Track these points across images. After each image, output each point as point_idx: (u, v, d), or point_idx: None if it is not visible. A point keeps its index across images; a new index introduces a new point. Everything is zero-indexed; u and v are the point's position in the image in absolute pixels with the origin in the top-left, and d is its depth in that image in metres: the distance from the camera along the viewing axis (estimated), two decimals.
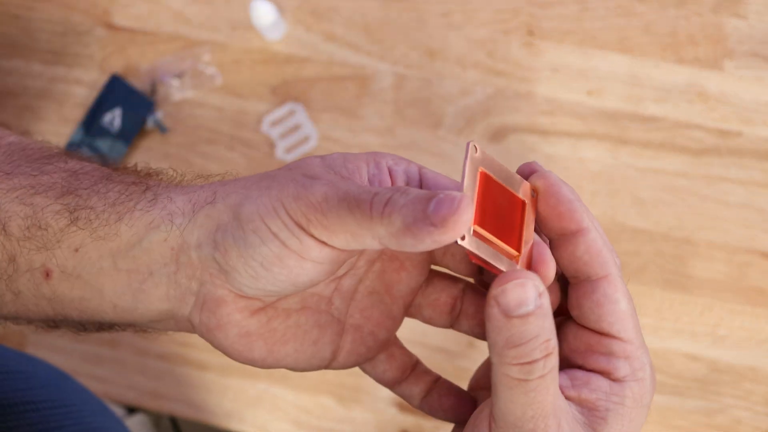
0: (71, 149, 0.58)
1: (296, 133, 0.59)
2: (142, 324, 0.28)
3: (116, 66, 0.60)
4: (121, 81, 0.59)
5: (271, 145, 0.59)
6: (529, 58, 0.60)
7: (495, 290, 0.22)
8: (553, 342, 0.22)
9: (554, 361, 0.23)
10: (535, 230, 0.26)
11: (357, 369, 0.30)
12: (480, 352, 0.55)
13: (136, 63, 0.60)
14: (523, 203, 0.26)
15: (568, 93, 0.59)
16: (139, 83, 0.60)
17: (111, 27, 0.61)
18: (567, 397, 0.25)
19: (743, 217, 0.57)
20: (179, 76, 0.60)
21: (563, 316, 0.27)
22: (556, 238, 0.26)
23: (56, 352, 0.56)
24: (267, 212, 0.24)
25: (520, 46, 0.60)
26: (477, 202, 0.24)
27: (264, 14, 0.57)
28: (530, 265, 0.25)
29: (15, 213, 0.27)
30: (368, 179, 0.26)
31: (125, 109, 0.59)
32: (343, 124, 0.59)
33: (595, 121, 0.59)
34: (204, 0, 0.62)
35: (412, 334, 0.54)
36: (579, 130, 0.59)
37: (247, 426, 0.55)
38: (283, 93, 0.60)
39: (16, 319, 0.29)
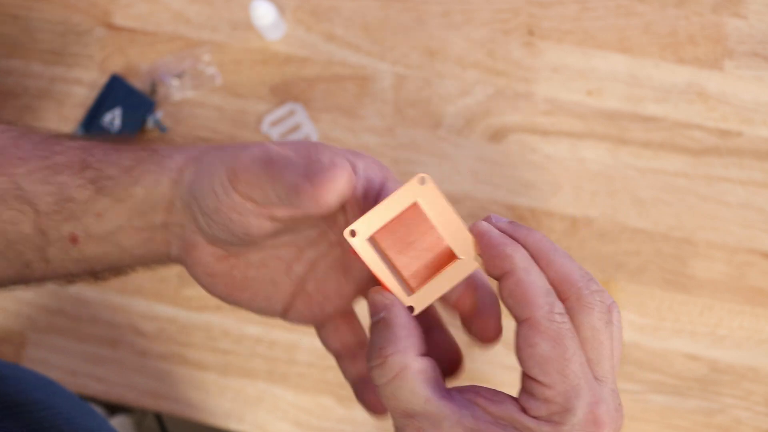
0: None
1: (296, 133, 0.59)
2: (149, 265, 0.33)
3: (116, 66, 0.60)
4: (121, 81, 0.59)
5: None
6: (528, 58, 0.60)
7: (370, 296, 0.27)
8: (388, 350, 0.25)
9: (389, 370, 0.25)
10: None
11: None
12: (480, 352, 0.55)
13: (136, 63, 0.60)
14: (450, 252, 0.27)
15: (568, 93, 0.59)
16: (139, 83, 0.60)
17: (111, 27, 0.61)
18: (487, 411, 0.26)
19: (743, 217, 0.57)
20: (179, 76, 0.60)
21: None
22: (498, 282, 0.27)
23: (56, 352, 0.56)
24: (211, 171, 0.29)
25: (520, 46, 0.60)
26: (390, 221, 0.27)
27: (264, 14, 0.57)
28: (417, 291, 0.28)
29: (42, 192, 0.31)
30: None
31: (125, 109, 0.59)
32: (343, 124, 0.59)
33: (595, 121, 0.59)
34: (204, 0, 0.62)
35: None
36: (579, 130, 0.59)
37: (246, 426, 0.55)
38: (283, 93, 0.60)
39: (42, 281, 0.33)
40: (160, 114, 0.59)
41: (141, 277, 0.57)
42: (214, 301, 0.56)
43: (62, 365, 0.56)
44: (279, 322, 0.56)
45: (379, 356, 0.25)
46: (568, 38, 0.60)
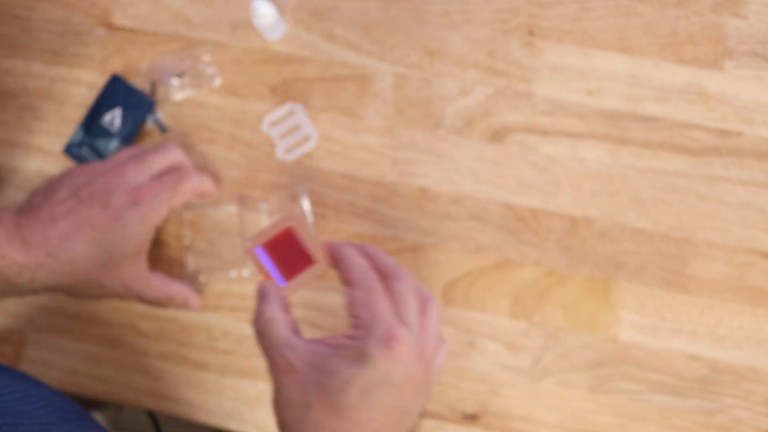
0: (72, 149, 0.58)
1: (296, 133, 0.59)
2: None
3: (116, 66, 0.60)
4: (121, 81, 0.59)
5: (271, 145, 0.59)
6: (528, 58, 0.60)
7: (260, 284, 0.42)
8: (264, 309, 0.40)
9: (263, 320, 0.39)
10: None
11: None
12: (480, 352, 0.55)
13: (136, 63, 0.60)
14: (311, 258, 0.44)
15: (568, 93, 0.59)
16: (139, 83, 0.60)
17: (111, 27, 0.61)
18: (326, 343, 0.39)
19: (743, 217, 0.57)
20: (179, 76, 0.60)
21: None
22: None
23: (56, 351, 0.56)
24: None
25: (519, 46, 0.60)
26: (273, 237, 0.44)
27: (264, 14, 0.57)
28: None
29: None
30: None
31: (125, 109, 0.59)
32: (343, 124, 0.59)
33: (595, 121, 0.59)
34: (204, 0, 0.62)
35: None
36: (579, 130, 0.59)
37: (246, 426, 0.55)
38: (283, 93, 0.60)
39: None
40: (160, 114, 0.59)
41: None
42: (213, 301, 0.56)
43: (62, 365, 0.56)
44: None
45: (259, 313, 0.39)
46: (568, 38, 0.60)
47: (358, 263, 0.40)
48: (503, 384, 0.55)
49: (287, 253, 0.44)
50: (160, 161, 0.52)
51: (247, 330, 0.56)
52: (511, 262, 0.57)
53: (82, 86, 0.60)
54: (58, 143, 0.59)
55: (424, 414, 0.45)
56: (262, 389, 0.55)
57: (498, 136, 0.59)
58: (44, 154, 0.59)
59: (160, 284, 0.51)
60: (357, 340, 0.37)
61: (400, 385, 0.37)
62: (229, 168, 0.59)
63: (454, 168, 0.58)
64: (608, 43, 0.60)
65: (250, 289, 0.57)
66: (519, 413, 0.55)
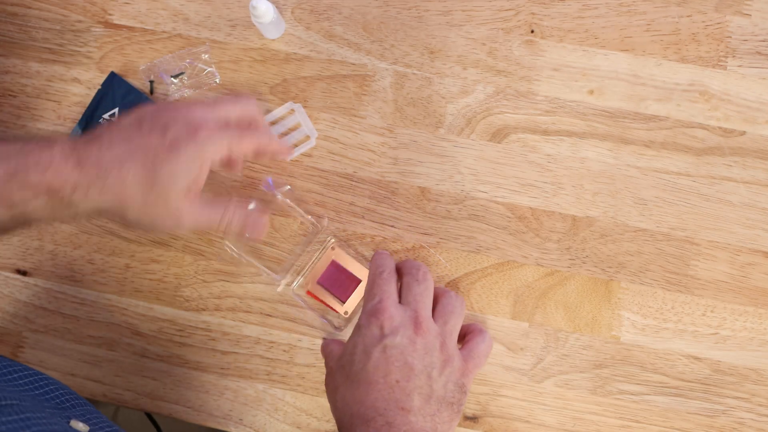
0: None
1: (296, 132, 0.59)
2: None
3: (114, 64, 0.60)
4: (119, 79, 0.59)
5: None
6: (530, 57, 0.60)
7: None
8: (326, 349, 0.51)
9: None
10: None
11: None
12: None
13: (135, 61, 0.60)
14: (357, 278, 0.55)
15: (569, 92, 0.59)
16: (137, 82, 0.60)
17: (109, 25, 0.61)
18: None
19: (746, 216, 0.56)
20: (178, 74, 0.60)
21: None
22: None
23: (53, 353, 0.56)
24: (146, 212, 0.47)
25: (521, 44, 0.60)
26: (322, 273, 0.55)
27: (263, 13, 0.56)
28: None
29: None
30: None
31: (123, 108, 0.58)
32: (342, 123, 0.59)
33: (597, 120, 0.58)
34: None
35: None
36: (580, 129, 0.58)
37: (245, 428, 0.55)
38: (283, 92, 0.59)
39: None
40: None
41: (139, 278, 0.57)
42: (212, 302, 0.56)
43: (60, 367, 0.56)
44: (278, 322, 0.56)
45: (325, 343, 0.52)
46: (570, 37, 0.60)
47: (374, 263, 0.50)
48: (504, 385, 0.55)
49: (337, 280, 0.55)
50: (231, 109, 0.50)
51: (247, 330, 0.56)
52: (511, 262, 0.56)
53: (80, 85, 0.60)
54: None
55: (464, 389, 0.46)
56: (261, 390, 0.55)
57: (499, 135, 0.58)
58: None
59: (211, 214, 0.49)
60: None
61: (397, 346, 0.45)
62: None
63: (454, 168, 0.58)
64: (610, 42, 0.60)
65: (248, 289, 0.56)
66: (520, 414, 0.54)
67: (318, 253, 0.56)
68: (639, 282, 0.56)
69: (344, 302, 0.54)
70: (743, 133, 0.58)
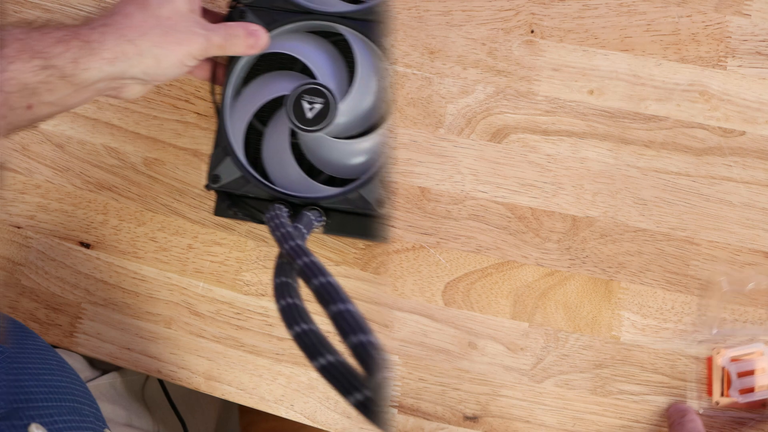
0: None
1: None
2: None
3: None
4: None
5: None
6: (530, 57, 0.60)
7: None
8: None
9: None
10: None
11: None
12: (481, 353, 0.55)
13: None
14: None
15: (569, 92, 0.59)
16: None
17: None
18: None
19: (746, 216, 0.56)
20: None
21: None
22: None
23: (111, 326, 0.57)
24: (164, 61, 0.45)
25: (520, 44, 0.60)
26: (742, 354, 0.54)
27: None
28: None
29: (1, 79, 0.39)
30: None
31: None
32: None
33: (597, 120, 0.58)
34: None
35: (413, 335, 0.54)
36: (580, 129, 0.58)
37: (295, 414, 0.55)
38: None
39: None
40: None
41: (201, 259, 0.58)
42: (271, 288, 0.56)
43: (116, 340, 0.56)
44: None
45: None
46: (570, 37, 0.60)
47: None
48: (504, 385, 0.55)
49: (746, 371, 0.52)
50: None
51: None
52: (511, 262, 0.56)
53: None
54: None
55: None
56: (314, 378, 0.55)
57: (499, 135, 0.58)
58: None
59: (216, 30, 0.47)
60: None
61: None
62: None
63: (454, 168, 0.58)
64: (610, 42, 0.60)
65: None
66: (520, 415, 0.54)
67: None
68: (639, 282, 0.56)
69: (740, 394, 0.53)
70: (743, 133, 0.58)
